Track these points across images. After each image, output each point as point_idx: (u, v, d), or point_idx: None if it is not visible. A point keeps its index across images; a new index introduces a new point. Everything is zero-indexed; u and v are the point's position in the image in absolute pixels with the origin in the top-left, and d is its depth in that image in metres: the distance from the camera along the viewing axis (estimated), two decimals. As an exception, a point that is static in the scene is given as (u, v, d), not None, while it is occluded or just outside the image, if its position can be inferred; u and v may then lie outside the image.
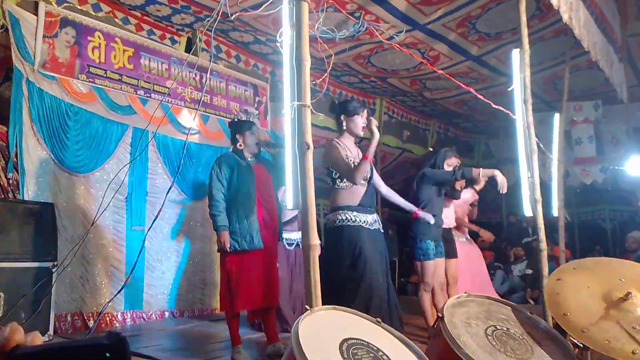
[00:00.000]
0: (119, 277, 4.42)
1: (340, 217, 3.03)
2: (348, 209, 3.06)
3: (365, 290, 2.86)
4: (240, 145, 3.53)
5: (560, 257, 5.67)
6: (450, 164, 4.17)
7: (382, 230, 3.23)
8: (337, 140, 3.17)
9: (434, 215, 3.92)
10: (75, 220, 4.18)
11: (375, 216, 3.17)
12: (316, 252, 1.86)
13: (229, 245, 3.24)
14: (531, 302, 6.30)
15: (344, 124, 3.16)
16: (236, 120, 3.76)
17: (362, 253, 2.94)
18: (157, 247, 4.80)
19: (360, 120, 3.16)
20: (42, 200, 3.90)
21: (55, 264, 3.65)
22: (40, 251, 3.62)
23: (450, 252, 4.35)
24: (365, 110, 3.22)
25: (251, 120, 3.66)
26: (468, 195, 4.74)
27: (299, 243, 4.04)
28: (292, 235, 4.45)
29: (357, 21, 4.13)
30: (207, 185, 3.44)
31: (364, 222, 3.06)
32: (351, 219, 3.03)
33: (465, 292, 1.99)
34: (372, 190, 3.23)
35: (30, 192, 3.89)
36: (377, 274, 2.95)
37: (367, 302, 2.80)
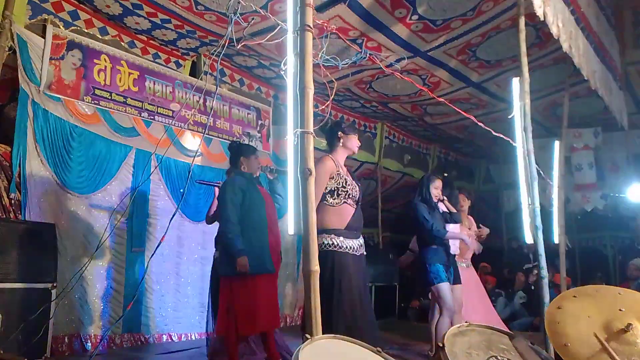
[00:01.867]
0: (118, 299, 4.40)
1: (327, 242, 2.98)
2: (335, 233, 3.01)
3: (350, 319, 2.85)
4: (244, 169, 3.56)
5: (562, 284, 5.64)
6: (437, 186, 4.26)
7: (365, 254, 3.20)
8: (331, 156, 3.20)
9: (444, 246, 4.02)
10: (76, 241, 4.18)
11: (361, 240, 3.15)
12: (317, 279, 1.86)
13: (247, 269, 3.20)
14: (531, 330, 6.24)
15: (341, 140, 3.22)
16: (238, 143, 3.80)
17: (349, 281, 2.92)
18: (157, 269, 4.78)
19: (355, 138, 3.28)
20: (43, 221, 3.90)
21: (55, 285, 3.63)
22: (40, 272, 3.60)
23: (455, 278, 4.35)
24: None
25: (253, 144, 3.73)
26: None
27: None
28: None
29: (360, 50, 4.21)
30: (220, 208, 3.43)
31: (350, 247, 3.03)
32: (338, 245, 2.99)
33: (466, 322, 1.98)
34: (360, 212, 3.22)
35: (32, 212, 3.90)
36: (361, 302, 2.96)
37: (352, 330, 2.77)
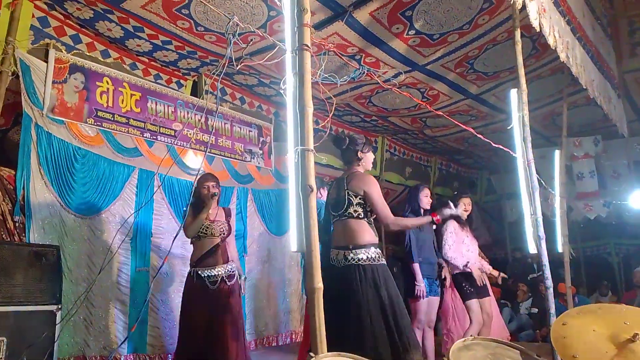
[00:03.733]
0: (123, 320, 4.39)
1: (375, 254, 3.06)
2: (374, 246, 3.09)
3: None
4: None
5: (568, 293, 5.62)
6: (426, 194, 4.43)
7: None
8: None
9: (424, 259, 4.09)
10: (81, 262, 4.19)
11: None
12: (321, 295, 1.86)
13: None
14: (540, 341, 6.19)
15: (361, 160, 3.28)
16: None
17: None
18: (162, 288, 4.78)
19: (372, 155, 3.36)
20: (48, 243, 3.92)
21: (60, 307, 3.64)
22: (44, 295, 3.60)
23: (482, 292, 4.38)
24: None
25: (255, 161, 3.89)
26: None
27: (225, 279, 3.85)
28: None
29: (358, 67, 4.26)
30: None
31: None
32: (378, 257, 3.07)
33: (471, 335, 1.98)
34: None
35: (36, 235, 3.92)
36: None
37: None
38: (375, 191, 3.13)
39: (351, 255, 3.02)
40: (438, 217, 3.38)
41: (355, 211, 3.11)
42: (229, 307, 3.81)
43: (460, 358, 1.82)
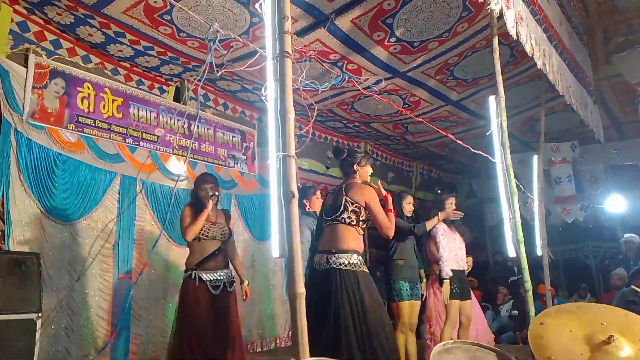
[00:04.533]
0: (105, 327, 4.34)
1: (357, 261, 3.11)
2: (357, 253, 3.15)
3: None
4: (309, 209, 4.05)
5: (547, 295, 5.72)
6: (409, 202, 4.45)
7: None
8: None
9: (405, 262, 4.18)
10: (61, 269, 4.14)
11: None
12: (303, 301, 1.88)
13: None
14: (520, 342, 6.29)
15: (358, 172, 3.36)
16: (301, 186, 4.08)
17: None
18: (144, 295, 4.74)
19: (369, 168, 3.45)
20: (28, 250, 3.87)
21: (40, 315, 3.59)
22: (24, 303, 3.55)
23: (465, 294, 4.46)
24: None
25: (239, 166, 3.91)
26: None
27: (227, 285, 3.79)
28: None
29: (339, 74, 4.31)
30: None
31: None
32: (360, 264, 3.12)
33: (452, 339, 2.02)
34: None
35: (16, 242, 3.86)
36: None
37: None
38: (375, 203, 3.21)
39: (333, 259, 3.07)
40: (386, 194, 3.44)
41: (348, 217, 3.17)
42: (234, 315, 3.77)
43: (440, 360, 1.85)
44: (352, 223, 3.17)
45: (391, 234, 3.26)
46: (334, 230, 3.18)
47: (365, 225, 3.26)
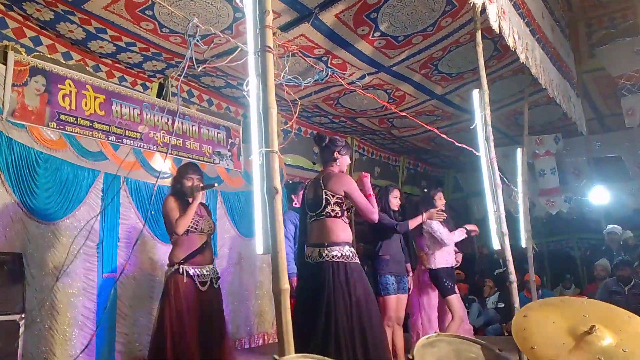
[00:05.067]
0: (90, 327, 4.30)
1: (349, 252, 3.13)
2: (348, 245, 3.16)
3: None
4: (296, 204, 4.05)
5: (531, 287, 5.79)
6: (396, 196, 4.55)
7: None
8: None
9: (391, 257, 4.26)
10: (45, 269, 4.08)
11: None
12: (287, 297, 1.88)
13: None
14: (506, 334, 6.35)
15: (337, 161, 3.36)
16: (290, 182, 4.08)
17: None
18: (129, 294, 4.70)
19: (348, 158, 3.45)
20: (9, 251, 3.81)
21: (23, 316, 3.55)
22: (7, 304, 3.51)
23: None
24: None
25: (224, 163, 3.88)
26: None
27: (213, 280, 3.65)
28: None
29: (322, 69, 4.30)
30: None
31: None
32: (352, 255, 3.14)
33: (435, 332, 2.03)
34: None
35: (-3, 242, 3.81)
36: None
37: None
38: (354, 189, 3.22)
39: (326, 252, 3.08)
40: (365, 174, 3.50)
41: (332, 210, 3.18)
42: (221, 311, 3.68)
43: (425, 355, 1.86)
44: (338, 215, 3.19)
45: (375, 217, 3.28)
46: (321, 225, 3.19)
47: (349, 213, 3.28)
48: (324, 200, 3.18)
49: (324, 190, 3.20)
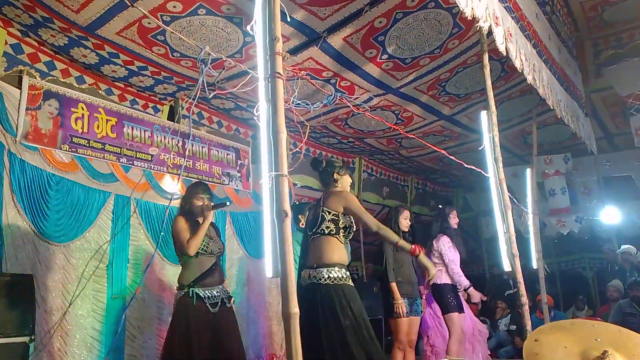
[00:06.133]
0: (98, 349, 4.29)
1: (342, 275, 3.06)
2: (339, 266, 3.09)
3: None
4: (302, 224, 4.07)
5: (543, 308, 5.71)
6: (406, 217, 4.46)
7: None
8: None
9: (404, 278, 4.17)
10: (55, 290, 4.10)
11: None
12: (296, 321, 1.88)
13: None
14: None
15: (338, 182, 3.35)
16: (297, 202, 4.09)
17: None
18: (138, 315, 4.70)
19: (349, 177, 3.43)
20: (21, 272, 3.84)
21: (33, 338, 3.56)
22: (17, 325, 3.52)
23: (461, 307, 4.48)
24: None
25: (233, 184, 3.87)
26: None
27: (225, 301, 3.65)
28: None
29: (331, 93, 4.35)
30: None
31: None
32: (342, 277, 3.07)
33: (447, 357, 2.02)
34: None
35: (9, 264, 3.83)
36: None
37: None
38: (354, 204, 3.18)
39: (314, 274, 3.05)
40: (417, 253, 3.27)
41: (327, 227, 3.14)
42: (234, 332, 3.63)
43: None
44: (332, 232, 3.13)
45: (379, 230, 3.19)
46: (316, 244, 3.16)
47: (346, 233, 3.19)
48: (320, 217, 3.17)
49: (322, 207, 3.19)
